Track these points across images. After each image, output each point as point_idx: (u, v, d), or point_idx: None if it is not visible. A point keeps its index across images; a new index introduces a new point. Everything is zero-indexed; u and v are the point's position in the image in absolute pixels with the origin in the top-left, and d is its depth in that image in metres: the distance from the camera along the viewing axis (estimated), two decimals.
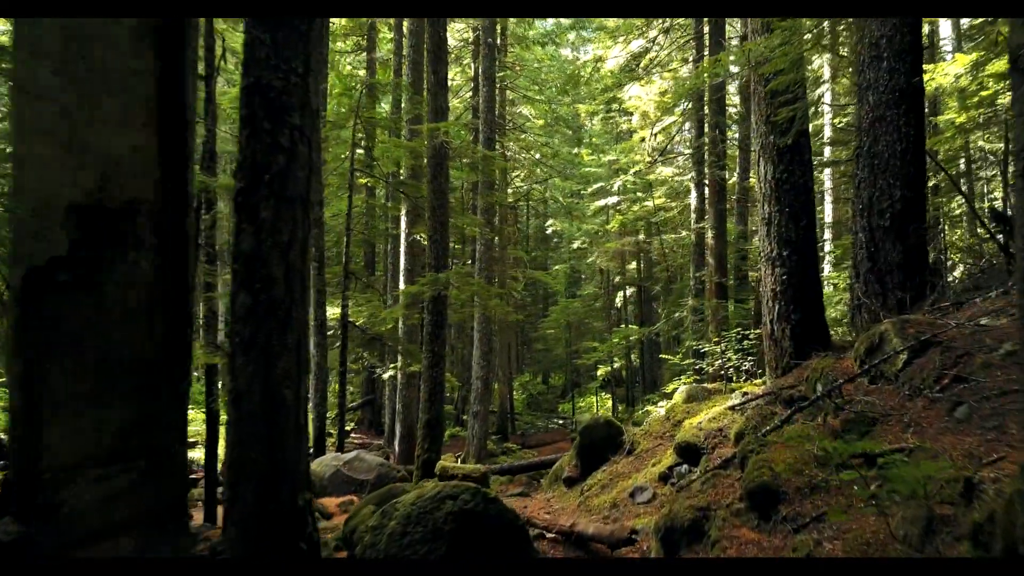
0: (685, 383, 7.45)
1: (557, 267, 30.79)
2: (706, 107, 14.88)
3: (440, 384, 9.15)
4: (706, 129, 15.07)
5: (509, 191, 22.52)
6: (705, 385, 9.96)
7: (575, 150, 23.20)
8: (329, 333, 15.56)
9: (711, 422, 4.80)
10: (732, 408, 4.85)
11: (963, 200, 14.78)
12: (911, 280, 6.74)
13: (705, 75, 6.02)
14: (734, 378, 10.23)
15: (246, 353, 3.01)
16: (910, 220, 6.75)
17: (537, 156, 22.22)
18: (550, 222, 30.48)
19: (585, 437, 6.39)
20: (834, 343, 5.32)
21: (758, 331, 10.51)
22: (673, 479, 4.64)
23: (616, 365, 24.43)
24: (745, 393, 5.18)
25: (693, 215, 15.23)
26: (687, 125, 18.00)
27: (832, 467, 3.04)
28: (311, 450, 12.96)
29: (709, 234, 14.45)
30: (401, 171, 13.77)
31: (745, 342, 10.53)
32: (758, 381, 8.58)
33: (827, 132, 16.00)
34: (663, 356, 13.80)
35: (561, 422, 25.21)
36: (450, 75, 24.00)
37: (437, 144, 8.85)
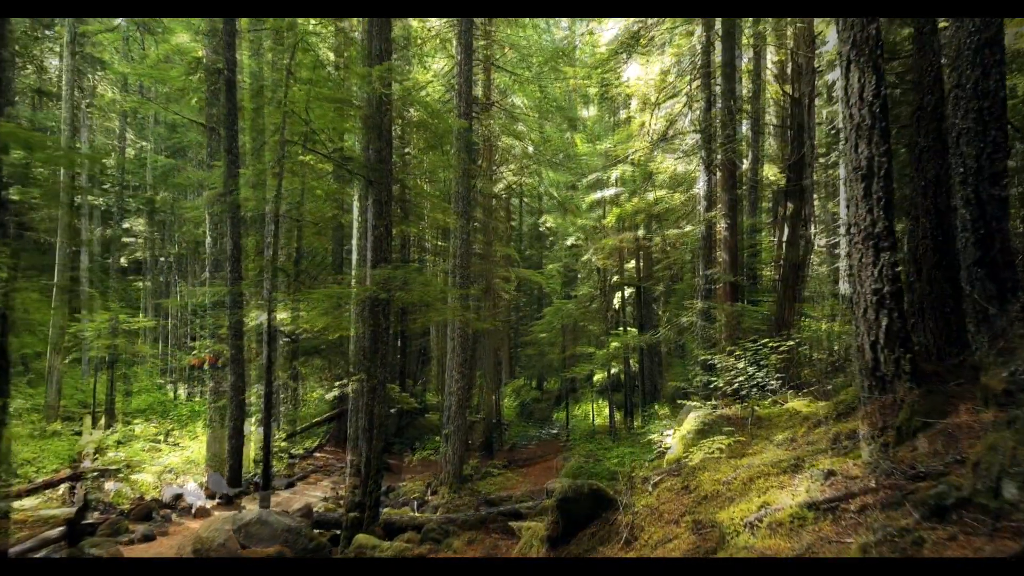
0: (705, 418, 5.32)
1: (551, 266, 28.82)
2: (717, 73, 12.74)
3: (379, 414, 7.00)
4: (717, 104, 12.95)
5: (500, 185, 20.44)
6: (722, 412, 7.89)
7: (567, 134, 21.09)
8: (281, 341, 13.41)
9: (778, 534, 2.60)
10: (813, 507, 2.69)
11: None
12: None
13: None
14: (755, 399, 8.16)
15: None
16: None
17: (530, 148, 20.10)
18: (544, 218, 28.62)
19: (563, 512, 4.24)
20: (986, 386, 3.08)
21: (778, 341, 8.44)
22: None
23: (614, 370, 22.29)
24: (830, 474, 2.98)
25: (703, 203, 13.06)
26: (688, 113, 15.86)
27: None
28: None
29: (721, 224, 12.30)
30: (356, 146, 11.63)
31: (773, 356, 8.39)
32: (816, 403, 6.43)
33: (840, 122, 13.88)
34: (671, 383, 11.68)
35: (555, 432, 23.39)
36: (436, 60, 21.90)
37: (374, 97, 6.68)
